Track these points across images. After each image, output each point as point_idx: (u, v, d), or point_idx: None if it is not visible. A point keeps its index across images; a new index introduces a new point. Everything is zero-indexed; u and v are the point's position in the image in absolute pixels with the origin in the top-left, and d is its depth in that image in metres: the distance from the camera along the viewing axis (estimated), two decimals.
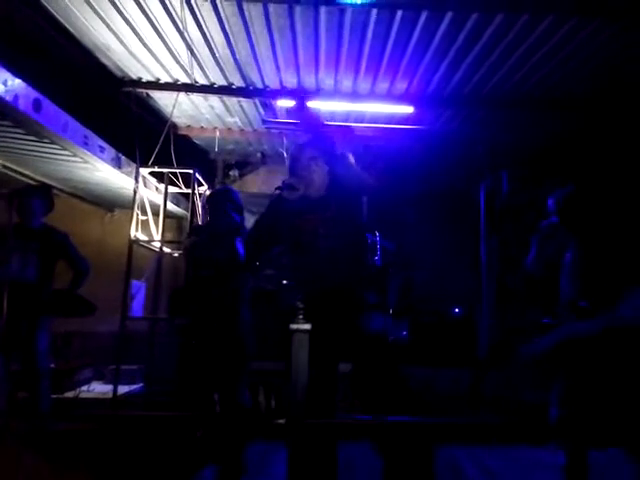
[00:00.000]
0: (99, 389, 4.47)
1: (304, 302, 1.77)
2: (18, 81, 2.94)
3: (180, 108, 4.88)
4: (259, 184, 6.71)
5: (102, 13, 3.37)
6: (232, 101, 4.82)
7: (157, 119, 5.01)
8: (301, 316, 1.71)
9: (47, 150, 3.84)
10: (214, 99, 4.77)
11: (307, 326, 1.69)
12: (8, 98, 2.87)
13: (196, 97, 4.69)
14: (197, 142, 6.01)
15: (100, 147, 3.96)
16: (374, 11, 3.32)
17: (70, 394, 4.22)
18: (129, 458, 1.66)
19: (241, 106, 4.95)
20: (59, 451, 1.60)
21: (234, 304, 2.81)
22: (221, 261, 2.80)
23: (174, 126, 5.24)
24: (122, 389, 4.24)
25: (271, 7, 3.29)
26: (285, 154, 5.83)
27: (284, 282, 5.19)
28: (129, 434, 1.69)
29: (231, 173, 6.67)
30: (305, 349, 1.67)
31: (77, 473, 1.52)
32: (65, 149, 3.76)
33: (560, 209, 2.50)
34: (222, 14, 3.38)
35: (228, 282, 2.80)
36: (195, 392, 2.78)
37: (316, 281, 2.07)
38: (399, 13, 3.33)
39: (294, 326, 1.69)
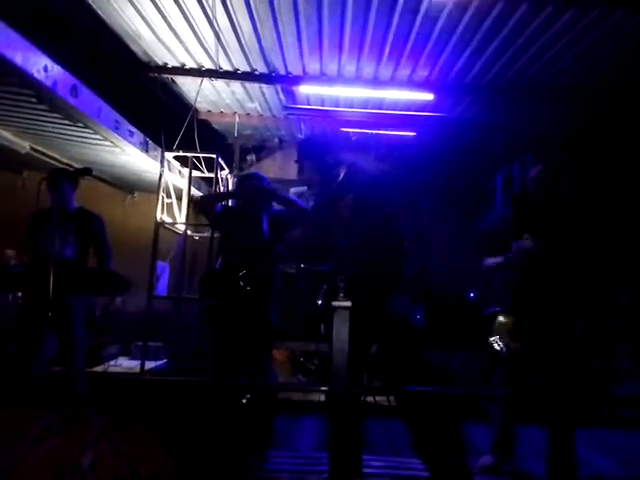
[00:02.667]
0: (126, 364, 4.66)
1: (343, 282, 1.87)
2: (57, 67, 3.04)
3: (202, 93, 4.95)
4: (275, 169, 6.79)
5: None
6: (254, 87, 4.90)
7: (179, 104, 5.10)
8: (342, 294, 1.83)
9: (79, 134, 3.96)
10: (236, 85, 4.84)
11: (348, 303, 1.81)
12: (48, 83, 2.98)
13: (218, 82, 4.77)
14: (216, 127, 6.10)
15: (129, 131, 4.07)
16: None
17: (99, 368, 4.40)
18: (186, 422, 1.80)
19: (262, 92, 5.02)
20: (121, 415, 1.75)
21: (263, 288, 2.93)
22: (249, 246, 2.92)
23: (195, 111, 5.33)
24: (148, 364, 4.42)
25: None
26: None
27: (302, 266, 5.33)
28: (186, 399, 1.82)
29: (248, 158, 6.76)
30: (346, 325, 1.80)
31: (141, 435, 1.66)
32: (97, 133, 3.88)
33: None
34: (251, 2, 3.45)
35: (257, 267, 2.91)
36: (224, 369, 2.92)
37: (340, 266, 2.15)
38: (425, 1, 3.39)
39: (336, 303, 1.81)
